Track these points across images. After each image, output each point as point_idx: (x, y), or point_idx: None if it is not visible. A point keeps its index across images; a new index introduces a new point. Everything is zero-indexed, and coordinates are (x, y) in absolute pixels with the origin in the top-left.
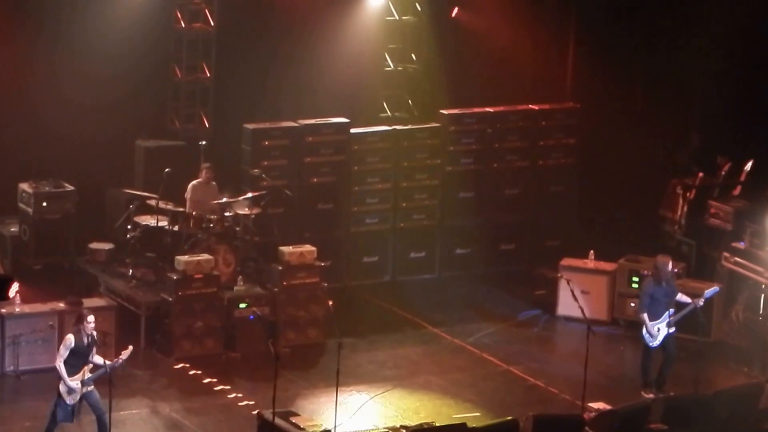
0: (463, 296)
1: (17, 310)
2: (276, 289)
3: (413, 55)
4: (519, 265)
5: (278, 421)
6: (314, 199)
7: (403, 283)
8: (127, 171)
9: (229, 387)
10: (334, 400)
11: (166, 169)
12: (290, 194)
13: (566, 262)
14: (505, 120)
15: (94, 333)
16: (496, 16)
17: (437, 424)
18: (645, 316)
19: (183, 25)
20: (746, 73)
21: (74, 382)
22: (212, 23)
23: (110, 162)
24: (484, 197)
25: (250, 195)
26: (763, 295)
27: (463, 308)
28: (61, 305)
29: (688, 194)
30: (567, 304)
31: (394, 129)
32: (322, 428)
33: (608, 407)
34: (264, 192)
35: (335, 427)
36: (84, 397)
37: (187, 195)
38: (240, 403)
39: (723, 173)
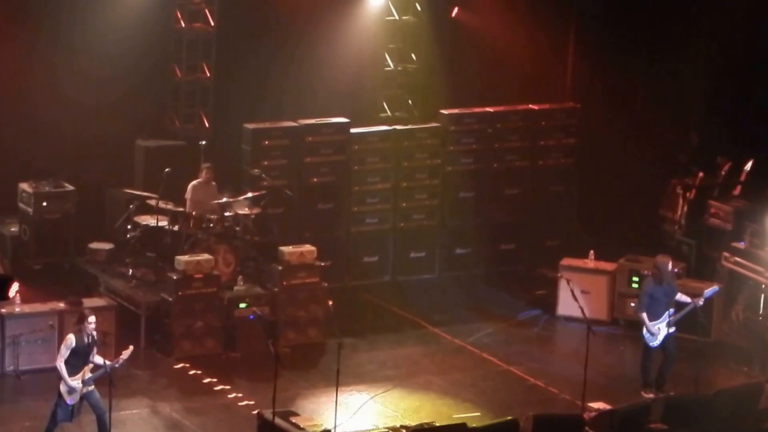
0: (463, 296)
1: (17, 310)
2: (276, 289)
3: (413, 55)
4: (519, 265)
5: (278, 421)
6: (314, 199)
7: (403, 283)
8: (127, 171)
9: (229, 387)
10: (334, 400)
11: (166, 169)
12: (290, 194)
13: (566, 262)
14: (505, 120)
15: (94, 333)
16: (496, 16)
17: (437, 424)
18: (644, 315)
19: (183, 25)
20: (746, 73)
21: (75, 382)
22: (212, 23)
23: (110, 162)
24: (484, 197)
25: (250, 195)
26: (763, 295)
27: (463, 308)
28: (61, 305)
29: (688, 194)
30: (567, 304)
31: (394, 129)
32: (322, 428)
33: (608, 407)
34: (264, 192)
35: (335, 427)
36: (84, 397)
37: (187, 195)
38: (240, 403)
39: (723, 173)
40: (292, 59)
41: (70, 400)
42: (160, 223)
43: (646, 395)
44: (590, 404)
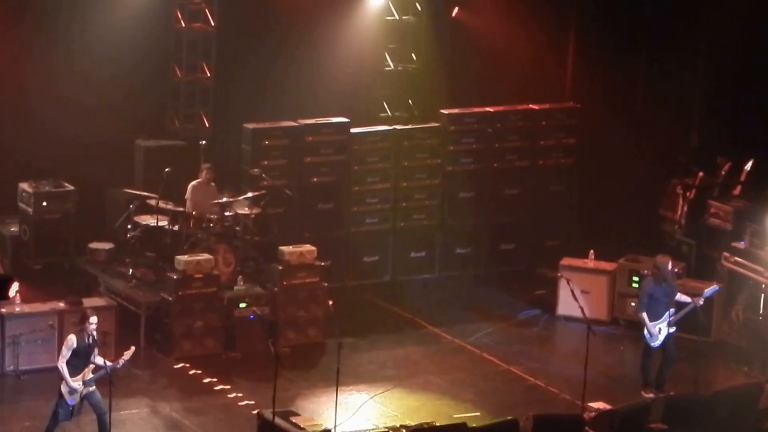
0: (463, 296)
1: (17, 309)
2: (276, 289)
3: (413, 55)
4: (519, 265)
5: (278, 420)
6: (314, 198)
7: (403, 282)
8: (127, 171)
9: (229, 387)
10: (334, 399)
11: (166, 169)
12: (290, 194)
13: (566, 261)
14: (505, 120)
15: (95, 333)
16: (496, 15)
17: (437, 424)
18: (644, 315)
19: (183, 25)
20: (746, 73)
21: (76, 383)
22: (212, 23)
23: (110, 162)
24: (484, 197)
25: (250, 195)
26: (763, 295)
27: (463, 308)
28: (61, 305)
29: (688, 194)
30: (567, 304)
31: (394, 129)
32: (322, 428)
33: (608, 407)
34: (264, 192)
35: (335, 426)
36: (85, 397)
37: (187, 195)
38: (240, 403)
39: (723, 173)
40: (292, 59)
41: (71, 401)
42: (160, 223)
43: (646, 395)
44: (590, 404)
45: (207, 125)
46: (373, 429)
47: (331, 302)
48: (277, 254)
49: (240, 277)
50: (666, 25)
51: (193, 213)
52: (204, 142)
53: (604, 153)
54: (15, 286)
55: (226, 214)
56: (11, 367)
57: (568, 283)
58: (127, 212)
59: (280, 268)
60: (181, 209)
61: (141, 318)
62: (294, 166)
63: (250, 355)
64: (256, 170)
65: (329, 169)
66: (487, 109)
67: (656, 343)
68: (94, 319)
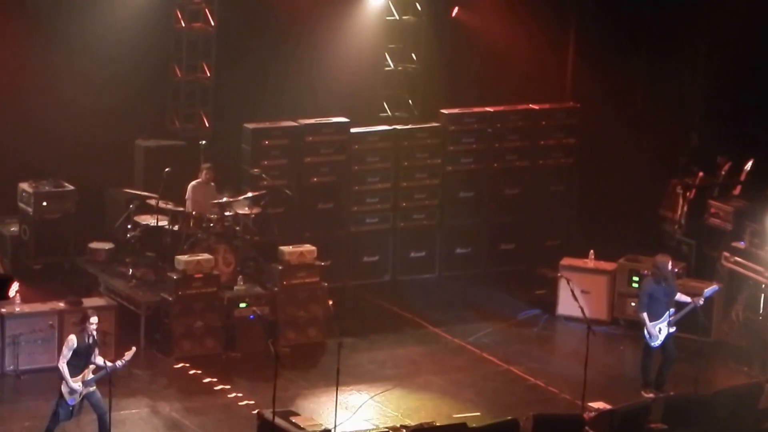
0: (463, 296)
1: (17, 309)
2: (276, 289)
3: (413, 55)
4: (519, 265)
5: (278, 420)
6: (314, 198)
7: (404, 282)
8: (127, 171)
9: (229, 387)
10: (334, 399)
11: (166, 169)
12: (290, 194)
13: (566, 261)
14: (505, 120)
15: (95, 333)
16: (496, 16)
17: (437, 424)
18: (644, 315)
19: (183, 25)
20: (746, 73)
21: (76, 383)
22: (212, 23)
23: (110, 162)
24: (484, 197)
25: (250, 194)
26: (763, 295)
27: (463, 308)
28: (61, 305)
29: (688, 194)
30: (567, 304)
31: (394, 129)
32: (322, 428)
33: (608, 407)
34: (264, 192)
35: (335, 426)
36: (86, 397)
37: (187, 195)
38: (240, 403)
39: (723, 173)
40: (292, 59)
41: (71, 401)
42: (160, 223)
43: (646, 395)
44: (590, 404)
45: (207, 125)
46: (373, 429)
47: (331, 302)
48: (277, 254)
49: (240, 277)
50: (666, 25)
51: (193, 213)
52: (204, 142)
53: (604, 153)
54: (15, 286)
55: (226, 214)
56: (11, 367)
57: (568, 283)
58: (127, 212)
59: (280, 268)
60: (181, 209)
61: (141, 318)
62: (294, 166)
63: (250, 355)
64: (256, 170)
65: (329, 169)
66: (487, 109)
67: (656, 343)
68: (94, 320)
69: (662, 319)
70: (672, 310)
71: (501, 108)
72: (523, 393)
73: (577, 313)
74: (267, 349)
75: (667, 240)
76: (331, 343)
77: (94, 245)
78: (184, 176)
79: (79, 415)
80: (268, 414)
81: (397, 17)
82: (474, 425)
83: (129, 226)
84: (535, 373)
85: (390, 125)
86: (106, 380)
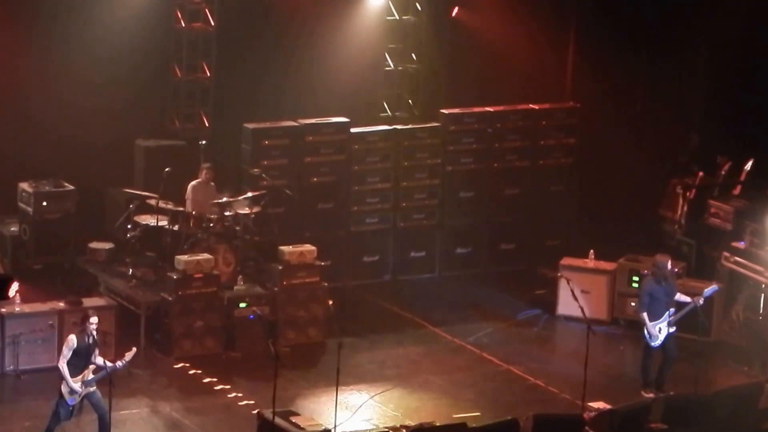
0: (463, 296)
1: (17, 309)
2: (276, 289)
3: (413, 55)
4: (519, 264)
5: (278, 420)
6: (314, 198)
7: (404, 282)
8: (127, 170)
9: (229, 386)
10: (334, 399)
11: (166, 169)
12: (290, 194)
13: (566, 261)
14: (505, 119)
15: (95, 333)
16: (497, 15)
17: (437, 424)
18: (645, 315)
19: (183, 25)
20: (746, 73)
21: (76, 383)
22: (212, 23)
23: (110, 161)
24: (484, 197)
25: (250, 194)
26: (763, 295)
27: (463, 308)
28: (61, 305)
29: (688, 194)
30: (567, 304)
31: (395, 128)
32: (322, 428)
33: (608, 407)
34: (264, 191)
35: (335, 426)
36: (86, 397)
37: (187, 195)
38: (240, 403)
39: (723, 173)
40: (292, 59)
41: (71, 400)
42: (160, 223)
43: (646, 395)
44: (590, 404)
45: (207, 125)
46: (373, 429)
47: (331, 302)
48: (277, 254)
49: (240, 276)
50: (666, 25)
51: (193, 213)
52: (204, 141)
53: (604, 153)
54: (15, 286)
55: (226, 213)
56: (11, 367)
57: (568, 283)
58: (127, 212)
59: (280, 267)
60: (181, 209)
61: (141, 318)
62: (294, 165)
63: (250, 355)
64: (256, 170)
65: (329, 168)
66: (487, 109)
67: (656, 342)
68: (94, 320)
69: (662, 318)
70: (672, 309)
71: (501, 108)
72: (523, 393)
73: (577, 313)
74: (267, 349)
75: (667, 240)
76: (331, 343)
77: (94, 245)
78: (184, 176)
79: (79, 415)
80: (268, 414)
81: (397, 17)
82: (474, 425)
83: (129, 226)
84: (535, 373)
85: (390, 125)
86: (106, 380)
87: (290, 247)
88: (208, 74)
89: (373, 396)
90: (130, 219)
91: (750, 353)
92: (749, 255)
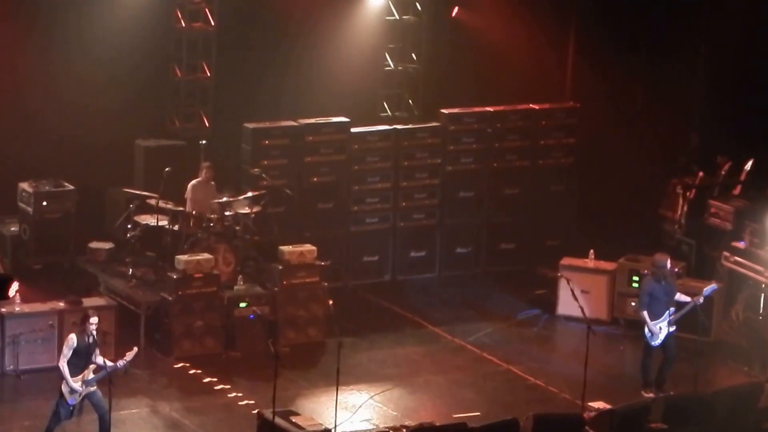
0: (463, 296)
1: (17, 309)
2: (276, 289)
3: (413, 55)
4: (519, 265)
5: (278, 420)
6: (314, 198)
7: (404, 282)
8: (127, 170)
9: (229, 386)
10: (335, 399)
11: (166, 169)
12: (290, 193)
13: (566, 261)
14: (505, 119)
15: (95, 333)
16: (497, 15)
17: (437, 424)
18: (645, 314)
19: (183, 25)
20: (746, 73)
21: (77, 383)
22: (212, 23)
23: (110, 161)
24: (484, 197)
25: (250, 194)
26: (763, 295)
27: (463, 308)
28: (61, 305)
29: (688, 194)
30: (567, 304)
31: (395, 128)
32: (322, 428)
33: (608, 406)
34: (264, 191)
35: (335, 426)
36: (86, 396)
37: (187, 195)
38: (240, 403)
39: (723, 173)
40: (292, 59)
41: (71, 400)
42: (160, 223)
43: (646, 395)
44: (590, 404)
45: (207, 125)
46: (373, 429)
47: (331, 302)
48: (277, 254)
49: (240, 276)
50: (666, 25)
51: (193, 212)
52: (204, 141)
53: (604, 153)
54: (15, 286)
55: (226, 213)
56: (11, 367)
57: (568, 283)
58: (127, 212)
59: (280, 267)
60: (181, 209)
61: (141, 318)
62: (294, 165)
63: (250, 354)
64: (256, 170)
65: (329, 168)
66: (487, 108)
67: (657, 342)
68: (94, 319)
69: (662, 318)
70: (672, 309)
71: (501, 108)
72: (523, 393)
73: (577, 313)
74: (267, 348)
75: (667, 240)
76: (331, 343)
77: (94, 245)
78: (184, 176)
79: (79, 414)
80: (268, 414)
81: (397, 17)
82: (474, 425)
83: (129, 226)
84: (535, 373)
85: (390, 125)
86: (106, 380)
87: (290, 247)
88: (208, 74)
89: (373, 396)
90: (130, 219)
91: (750, 353)
92: (749, 255)
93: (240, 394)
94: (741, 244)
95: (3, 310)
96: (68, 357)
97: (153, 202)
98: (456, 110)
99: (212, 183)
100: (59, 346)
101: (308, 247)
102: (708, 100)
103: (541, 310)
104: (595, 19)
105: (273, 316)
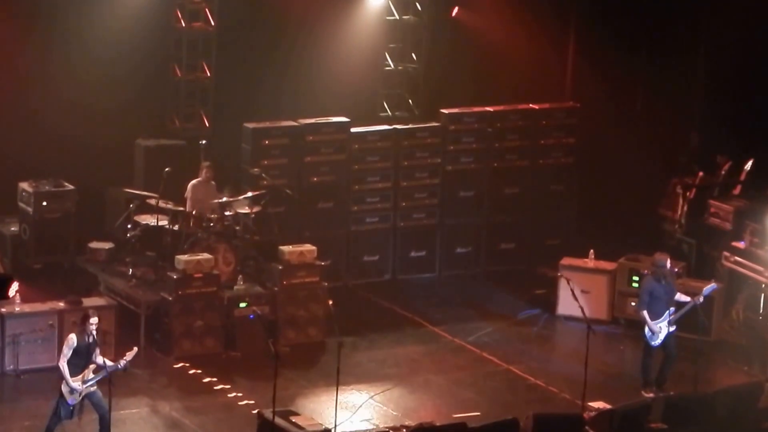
0: (463, 295)
1: (17, 309)
2: (276, 288)
3: (413, 55)
4: (519, 264)
5: (278, 420)
6: (314, 198)
7: (404, 282)
8: (127, 170)
9: (229, 386)
10: (335, 399)
11: (166, 168)
12: (290, 193)
13: (566, 261)
14: (505, 119)
15: (95, 333)
16: (497, 15)
17: (437, 424)
18: (645, 313)
19: (183, 25)
20: (746, 72)
21: (76, 383)
22: (212, 23)
23: (110, 161)
24: (484, 196)
25: (250, 194)
26: (763, 295)
27: (463, 307)
28: (61, 305)
29: (688, 193)
30: (567, 304)
31: (395, 128)
32: (322, 428)
33: (608, 406)
34: (264, 191)
35: (335, 426)
36: (86, 396)
37: (187, 194)
38: (240, 402)
39: (723, 172)
40: (292, 58)
41: (71, 400)
42: (160, 223)
43: (647, 394)
44: (590, 403)
45: (207, 125)
46: (373, 429)
47: (331, 301)
48: (277, 253)
49: (240, 276)
50: (666, 25)
51: (193, 212)
52: (204, 141)
53: (604, 153)
54: (15, 286)
55: (226, 213)
56: (11, 367)
57: (568, 283)
58: (127, 212)
59: (280, 267)
60: (181, 209)
61: (141, 317)
62: (294, 165)
63: (250, 354)
64: (256, 169)
65: (329, 168)
66: (487, 108)
67: (657, 341)
68: (94, 319)
69: (663, 317)
70: (672, 308)
71: (501, 107)
72: (523, 392)
73: (577, 313)
74: (267, 348)
75: (667, 239)
76: (331, 343)
77: (94, 245)
78: (184, 176)
79: (79, 414)
80: (268, 413)
81: (397, 17)
82: (474, 425)
83: (129, 226)
84: (535, 373)
85: (390, 125)
86: (106, 380)
87: (290, 246)
88: (208, 74)
89: (373, 396)
90: (130, 219)
91: (750, 352)
92: (749, 255)
93: (240, 394)
94: (741, 244)
95: (3, 310)
96: (68, 357)
97: (153, 201)
98: (456, 110)
99: (212, 183)
100: (59, 346)
101: (308, 246)
102: (708, 100)
103: (541, 309)
104: (595, 19)
105: (273, 316)
